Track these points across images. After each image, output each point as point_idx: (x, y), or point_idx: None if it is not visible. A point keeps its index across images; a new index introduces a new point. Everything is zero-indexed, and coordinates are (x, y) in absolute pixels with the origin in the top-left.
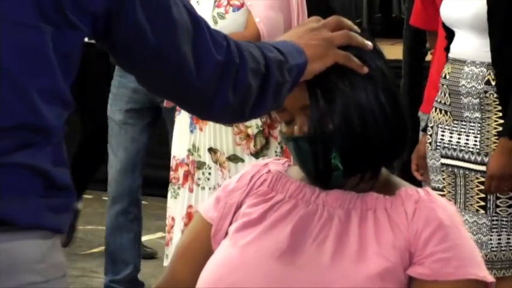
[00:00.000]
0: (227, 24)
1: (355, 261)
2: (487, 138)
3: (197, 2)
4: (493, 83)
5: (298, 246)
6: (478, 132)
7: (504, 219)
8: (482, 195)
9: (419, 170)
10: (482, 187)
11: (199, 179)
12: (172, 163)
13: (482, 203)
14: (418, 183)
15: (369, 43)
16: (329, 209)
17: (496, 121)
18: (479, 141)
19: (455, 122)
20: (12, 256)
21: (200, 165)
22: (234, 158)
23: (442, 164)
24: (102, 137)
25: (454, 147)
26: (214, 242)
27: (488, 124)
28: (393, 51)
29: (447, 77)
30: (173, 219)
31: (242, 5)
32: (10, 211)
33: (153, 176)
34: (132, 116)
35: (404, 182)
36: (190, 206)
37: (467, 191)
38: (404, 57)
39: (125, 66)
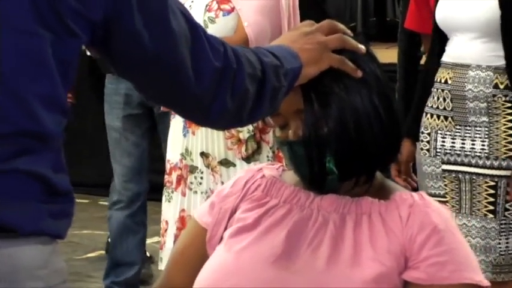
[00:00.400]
0: (217, 28)
1: (350, 265)
2: (496, 142)
3: (190, 6)
4: (501, 87)
5: (293, 251)
6: (486, 136)
7: None
8: (491, 199)
9: (401, 176)
10: (491, 191)
11: (191, 183)
12: (167, 167)
13: (491, 207)
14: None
15: (363, 47)
16: (324, 214)
17: (505, 124)
18: (488, 146)
19: (458, 127)
20: (14, 262)
21: (193, 169)
22: (226, 163)
23: (444, 170)
24: None
25: (458, 152)
26: (209, 247)
27: (497, 128)
28: (388, 54)
29: (449, 81)
30: (167, 222)
31: (232, 9)
32: (10, 217)
33: (150, 180)
34: (130, 122)
35: (398, 186)
36: (183, 210)
37: (474, 196)
38: (399, 60)
39: (122, 74)
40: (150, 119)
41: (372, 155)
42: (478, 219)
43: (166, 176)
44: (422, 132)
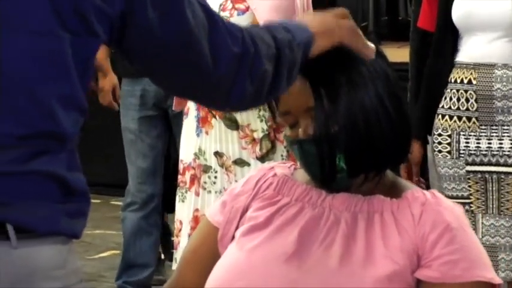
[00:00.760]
0: None
1: (363, 264)
2: None
3: None
4: None
5: (305, 250)
6: None
7: None
8: None
9: (410, 177)
10: None
11: (205, 182)
12: (180, 167)
13: None
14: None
15: (372, 44)
16: (335, 212)
17: None
18: None
19: (483, 127)
20: (31, 263)
21: (206, 168)
22: (240, 162)
23: (468, 172)
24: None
25: (484, 152)
26: (221, 246)
27: None
28: (400, 54)
29: (473, 82)
30: (181, 222)
31: (247, 8)
32: (28, 218)
33: None
34: (145, 123)
35: (410, 184)
36: (196, 210)
37: (502, 195)
38: (411, 60)
39: (140, 68)
40: (165, 121)
41: (380, 151)
42: (507, 219)
43: (179, 176)
44: (440, 135)
